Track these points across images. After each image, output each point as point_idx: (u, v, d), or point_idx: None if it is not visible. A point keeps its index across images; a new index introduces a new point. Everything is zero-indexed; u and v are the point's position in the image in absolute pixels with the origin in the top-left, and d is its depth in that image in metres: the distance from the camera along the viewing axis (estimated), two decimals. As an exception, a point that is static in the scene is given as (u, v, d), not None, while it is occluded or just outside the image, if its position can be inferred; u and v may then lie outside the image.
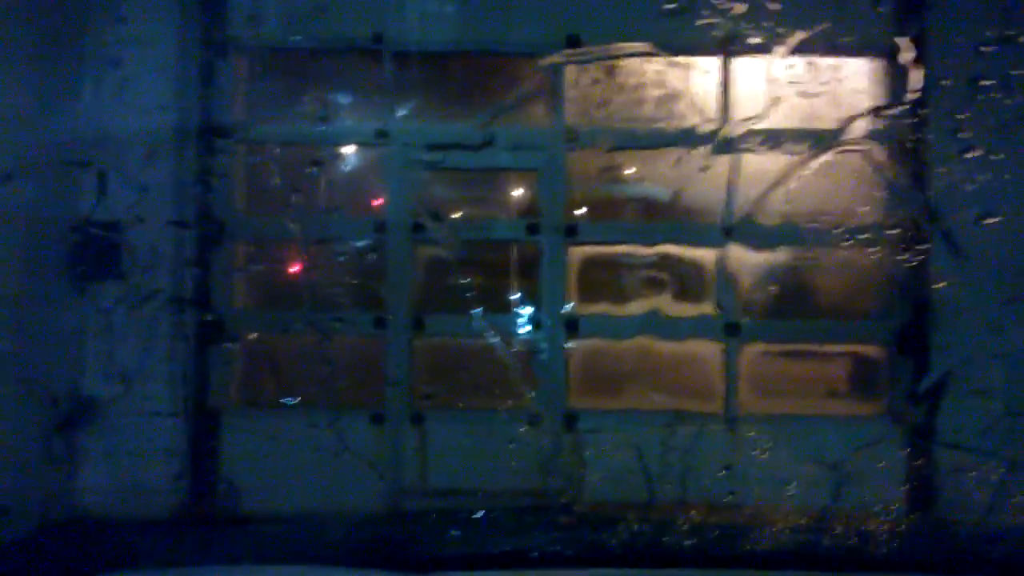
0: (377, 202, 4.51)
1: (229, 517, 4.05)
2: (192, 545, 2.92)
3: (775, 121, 4.23)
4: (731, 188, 4.28)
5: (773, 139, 4.25)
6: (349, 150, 4.52)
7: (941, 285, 4.03)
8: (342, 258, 4.40)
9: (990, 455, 3.80)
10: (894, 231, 4.11)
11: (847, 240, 4.14)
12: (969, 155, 3.77)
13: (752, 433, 4.05)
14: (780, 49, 4.08)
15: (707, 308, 4.32)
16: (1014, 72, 3.60)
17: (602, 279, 4.43)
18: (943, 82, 3.92)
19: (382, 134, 4.41)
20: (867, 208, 4.18)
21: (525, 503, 3.81)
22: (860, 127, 4.17)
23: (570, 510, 3.73)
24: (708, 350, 4.31)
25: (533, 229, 4.39)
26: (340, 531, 3.25)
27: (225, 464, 4.17)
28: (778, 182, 4.25)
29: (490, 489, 3.89)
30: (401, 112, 4.43)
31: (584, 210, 4.41)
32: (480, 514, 3.13)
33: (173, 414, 4.10)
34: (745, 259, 4.30)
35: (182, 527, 3.80)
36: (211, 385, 4.25)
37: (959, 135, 3.78)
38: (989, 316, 3.85)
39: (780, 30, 4.03)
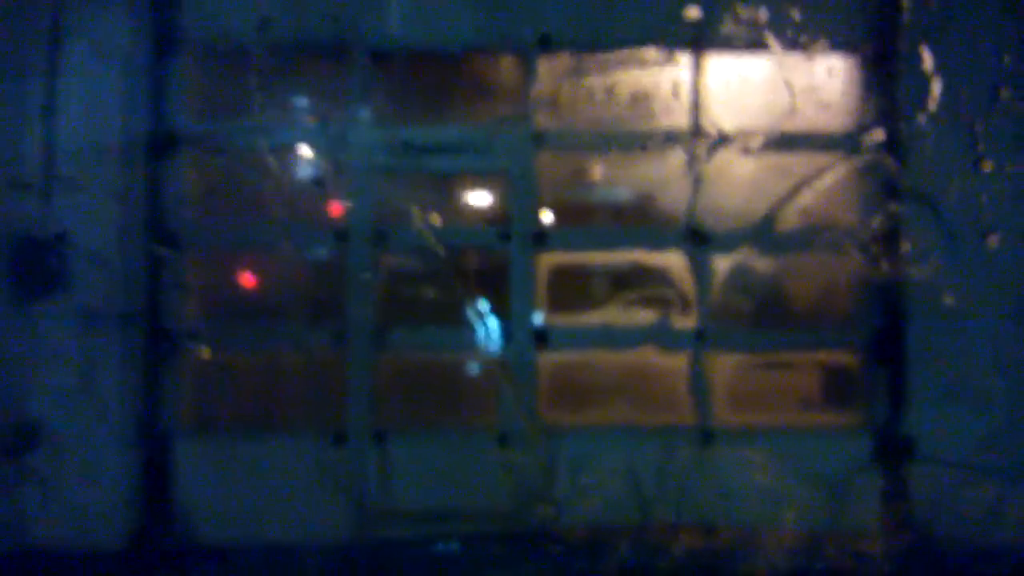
0: (338, 209, 4.32)
1: (183, 547, 3.86)
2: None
3: (752, 124, 4.12)
4: (706, 192, 4.15)
5: (751, 142, 4.13)
6: (308, 155, 4.33)
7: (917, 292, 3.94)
8: (301, 269, 4.22)
9: (966, 467, 3.73)
10: (870, 237, 4.02)
11: (824, 246, 4.05)
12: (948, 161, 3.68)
13: (728, 448, 3.95)
14: (755, 49, 3.96)
15: (679, 316, 4.19)
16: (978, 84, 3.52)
17: (575, 286, 4.29)
18: (923, 87, 3.83)
19: (345, 137, 4.22)
20: (843, 213, 4.08)
21: (495, 527, 3.68)
22: (837, 131, 4.07)
23: (542, 533, 3.60)
24: (680, 359, 4.18)
25: (503, 236, 4.24)
26: (301, 562, 3.11)
27: (178, 490, 3.97)
28: (757, 186, 4.14)
29: (457, 511, 3.75)
30: (363, 115, 4.25)
31: (554, 215, 4.27)
32: (444, 545, 2.98)
33: (122, 437, 3.90)
34: (720, 265, 4.18)
35: (132, 559, 3.62)
36: (162, 406, 4.05)
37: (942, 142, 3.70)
38: (967, 326, 3.78)
39: (755, 30, 3.92)
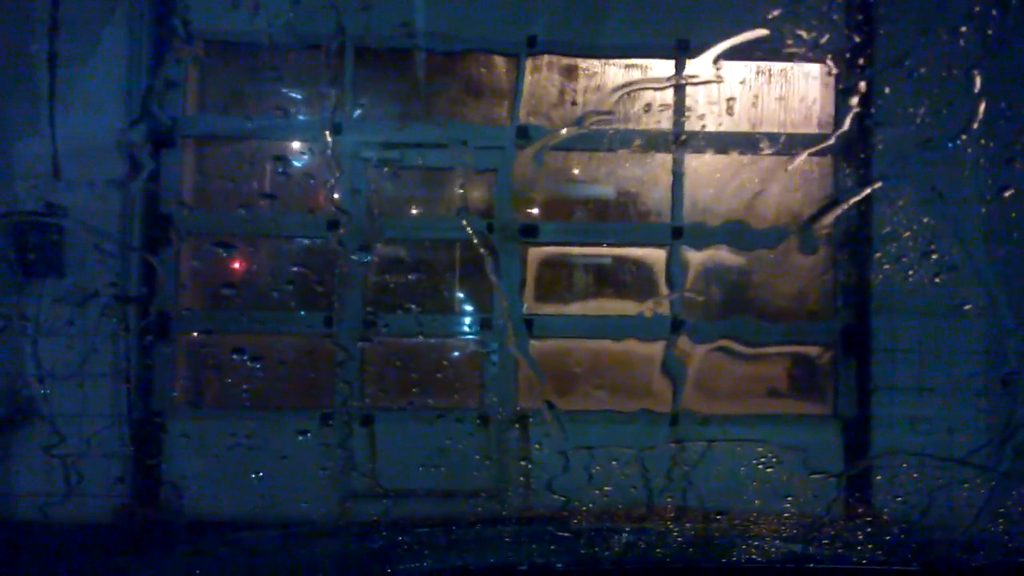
0: (330, 200, 4.45)
1: (171, 523, 3.95)
2: (129, 560, 2.83)
3: (729, 125, 4.28)
4: (685, 190, 4.32)
5: (727, 143, 4.29)
6: (301, 147, 4.46)
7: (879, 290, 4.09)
8: (293, 256, 4.34)
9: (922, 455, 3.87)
10: (838, 235, 4.18)
11: (794, 243, 4.20)
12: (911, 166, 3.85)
13: (703, 431, 4.08)
14: (736, 55, 4.12)
15: (657, 306, 4.34)
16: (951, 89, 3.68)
17: (557, 278, 4.43)
18: (886, 92, 3.99)
19: (337, 130, 4.35)
20: (814, 212, 4.24)
21: (478, 508, 3.79)
22: (807, 134, 4.23)
23: (522, 516, 3.71)
24: (657, 349, 4.33)
25: (489, 228, 4.37)
26: (286, 540, 3.18)
27: (168, 467, 4.07)
28: (733, 186, 4.30)
29: (441, 491, 3.86)
30: (356, 109, 4.38)
31: (538, 210, 4.41)
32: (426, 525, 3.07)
33: (115, 415, 3.99)
34: (697, 260, 4.34)
35: (121, 534, 3.70)
36: (155, 386, 4.15)
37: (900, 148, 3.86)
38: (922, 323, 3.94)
39: (735, 36, 4.08)
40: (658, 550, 2.15)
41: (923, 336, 4.07)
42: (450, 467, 3.92)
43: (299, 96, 4.44)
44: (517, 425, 4.17)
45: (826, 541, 2.11)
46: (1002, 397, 4.15)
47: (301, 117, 4.40)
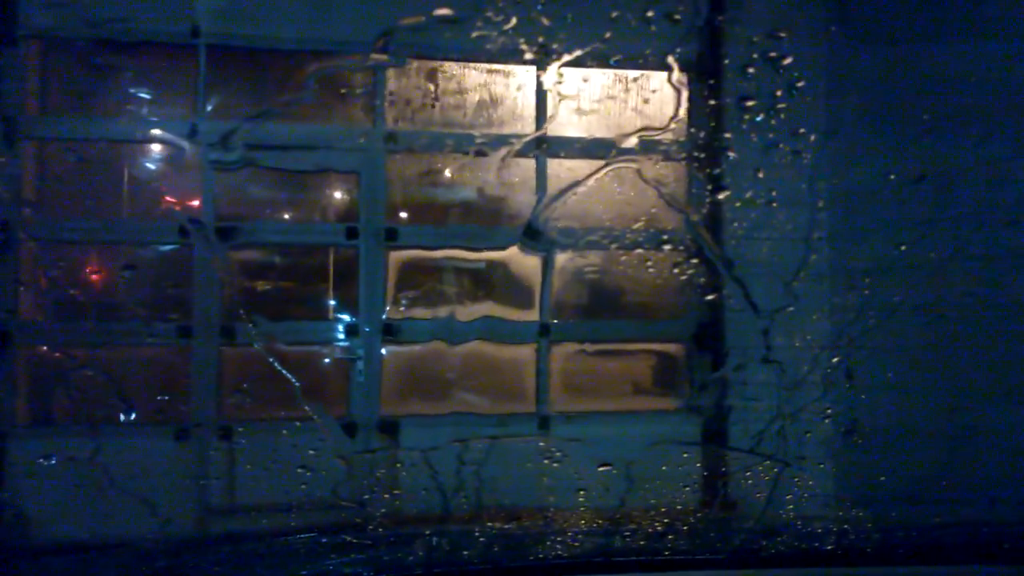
0: (184, 204, 4.29)
1: (15, 548, 3.75)
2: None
3: (591, 132, 4.35)
4: (541, 193, 4.37)
5: (588, 148, 4.35)
6: (154, 149, 4.28)
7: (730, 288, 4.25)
8: (145, 264, 4.17)
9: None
10: (681, 239, 4.32)
11: (652, 245, 4.31)
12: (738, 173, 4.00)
13: (564, 431, 4.17)
14: (595, 65, 4.17)
15: (523, 309, 4.40)
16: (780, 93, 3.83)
17: (421, 283, 4.42)
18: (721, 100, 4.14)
19: (192, 132, 4.19)
20: (663, 216, 4.37)
21: (338, 519, 3.75)
22: (661, 140, 4.33)
23: (381, 525, 3.70)
24: (523, 352, 4.39)
25: (352, 233, 4.31)
26: (139, 562, 3.08)
27: (10, 490, 3.87)
28: (593, 190, 4.37)
29: (301, 504, 3.80)
30: (211, 109, 4.23)
31: (404, 214, 4.38)
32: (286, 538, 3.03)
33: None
34: (561, 263, 4.41)
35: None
36: (-6, 404, 3.94)
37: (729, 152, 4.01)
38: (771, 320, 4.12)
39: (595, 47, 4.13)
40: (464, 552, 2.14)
41: (772, 332, 4.26)
42: (312, 478, 3.87)
43: (152, 96, 4.25)
44: (379, 432, 4.16)
45: (627, 534, 2.14)
46: (846, 389, 4.41)
47: (153, 118, 4.22)
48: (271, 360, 4.17)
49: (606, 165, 4.02)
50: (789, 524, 2.38)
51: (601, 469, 3.78)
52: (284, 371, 3.97)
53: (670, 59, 3.75)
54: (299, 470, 3.85)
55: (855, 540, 1.89)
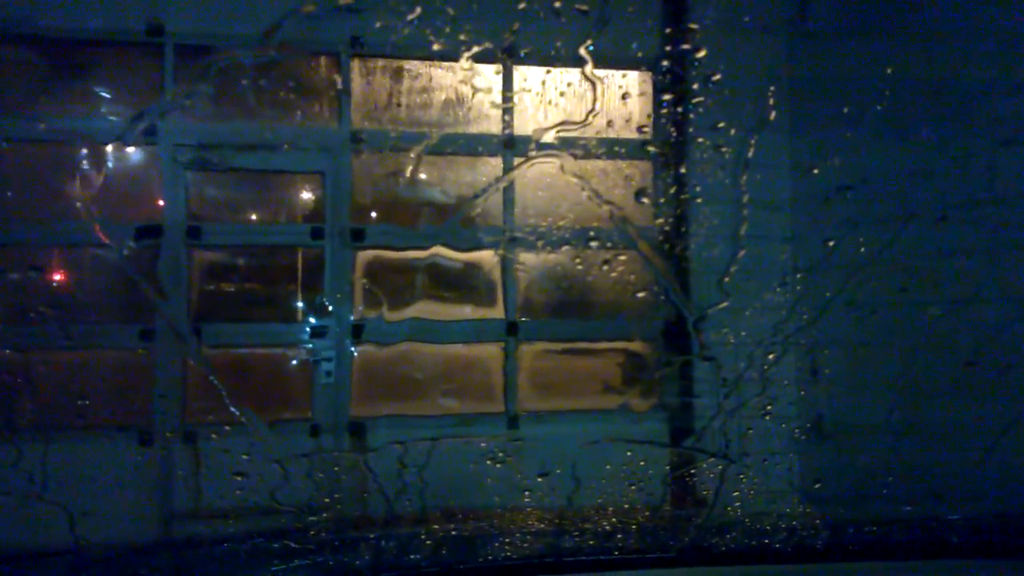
0: (146, 205, 4.24)
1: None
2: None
3: (558, 132, 4.32)
4: (515, 194, 4.35)
5: (557, 148, 4.34)
6: (115, 149, 4.21)
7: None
8: (106, 267, 4.11)
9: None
10: (661, 236, 4.32)
11: (620, 244, 4.31)
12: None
13: (533, 430, 4.16)
14: (562, 64, 4.16)
15: (492, 309, 4.38)
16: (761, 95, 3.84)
17: (388, 283, 4.39)
18: (700, 99, 4.14)
19: (150, 132, 4.13)
20: (638, 214, 4.37)
21: (306, 521, 3.71)
22: (629, 139, 4.34)
23: (340, 526, 3.67)
24: (491, 351, 4.37)
25: (317, 233, 4.28)
26: (104, 563, 3.03)
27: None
28: (562, 190, 4.36)
29: (268, 507, 3.77)
30: (174, 109, 4.18)
31: (372, 214, 4.35)
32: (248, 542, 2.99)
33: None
34: (525, 262, 4.40)
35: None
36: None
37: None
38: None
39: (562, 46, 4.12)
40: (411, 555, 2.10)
41: (737, 331, 4.27)
42: (279, 482, 3.83)
43: (112, 95, 4.19)
44: (348, 434, 4.13)
45: (577, 533, 2.11)
46: (812, 386, 4.44)
47: (113, 118, 4.16)
48: (235, 364, 4.14)
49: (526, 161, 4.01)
50: (739, 521, 2.38)
51: (557, 470, 3.77)
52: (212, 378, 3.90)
53: (643, 61, 3.75)
54: (237, 477, 3.81)
55: (805, 537, 1.89)
